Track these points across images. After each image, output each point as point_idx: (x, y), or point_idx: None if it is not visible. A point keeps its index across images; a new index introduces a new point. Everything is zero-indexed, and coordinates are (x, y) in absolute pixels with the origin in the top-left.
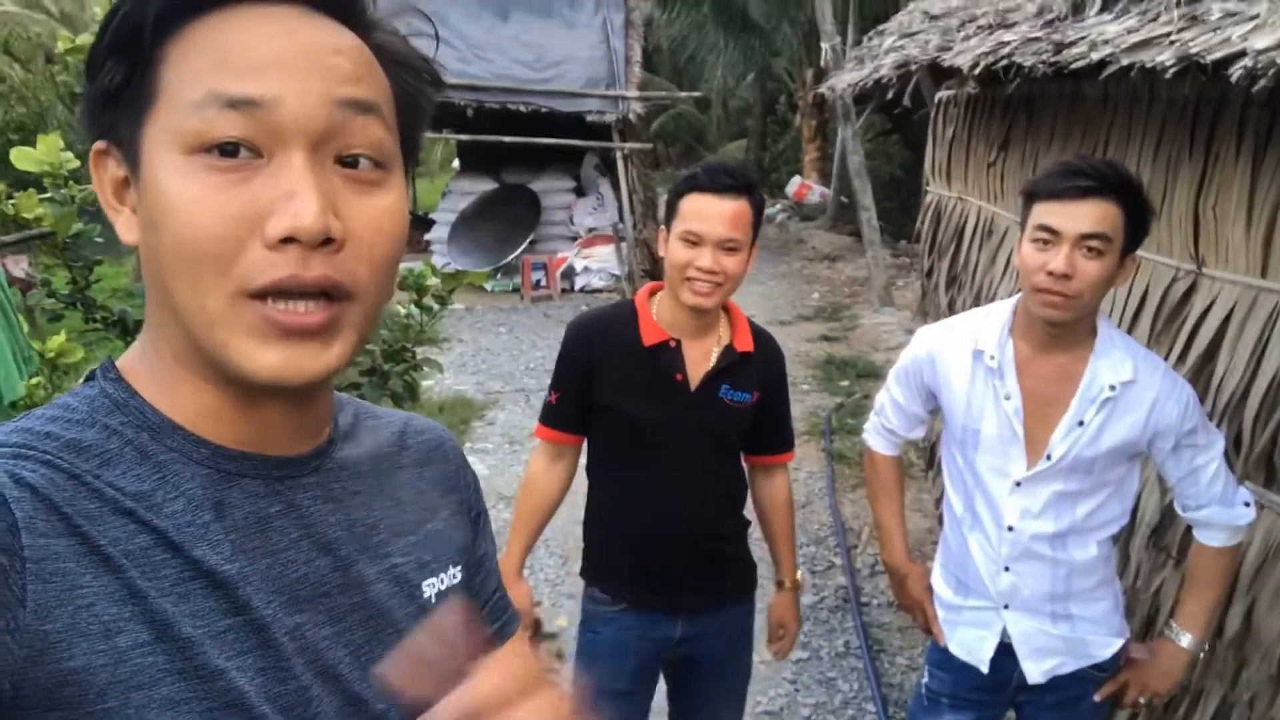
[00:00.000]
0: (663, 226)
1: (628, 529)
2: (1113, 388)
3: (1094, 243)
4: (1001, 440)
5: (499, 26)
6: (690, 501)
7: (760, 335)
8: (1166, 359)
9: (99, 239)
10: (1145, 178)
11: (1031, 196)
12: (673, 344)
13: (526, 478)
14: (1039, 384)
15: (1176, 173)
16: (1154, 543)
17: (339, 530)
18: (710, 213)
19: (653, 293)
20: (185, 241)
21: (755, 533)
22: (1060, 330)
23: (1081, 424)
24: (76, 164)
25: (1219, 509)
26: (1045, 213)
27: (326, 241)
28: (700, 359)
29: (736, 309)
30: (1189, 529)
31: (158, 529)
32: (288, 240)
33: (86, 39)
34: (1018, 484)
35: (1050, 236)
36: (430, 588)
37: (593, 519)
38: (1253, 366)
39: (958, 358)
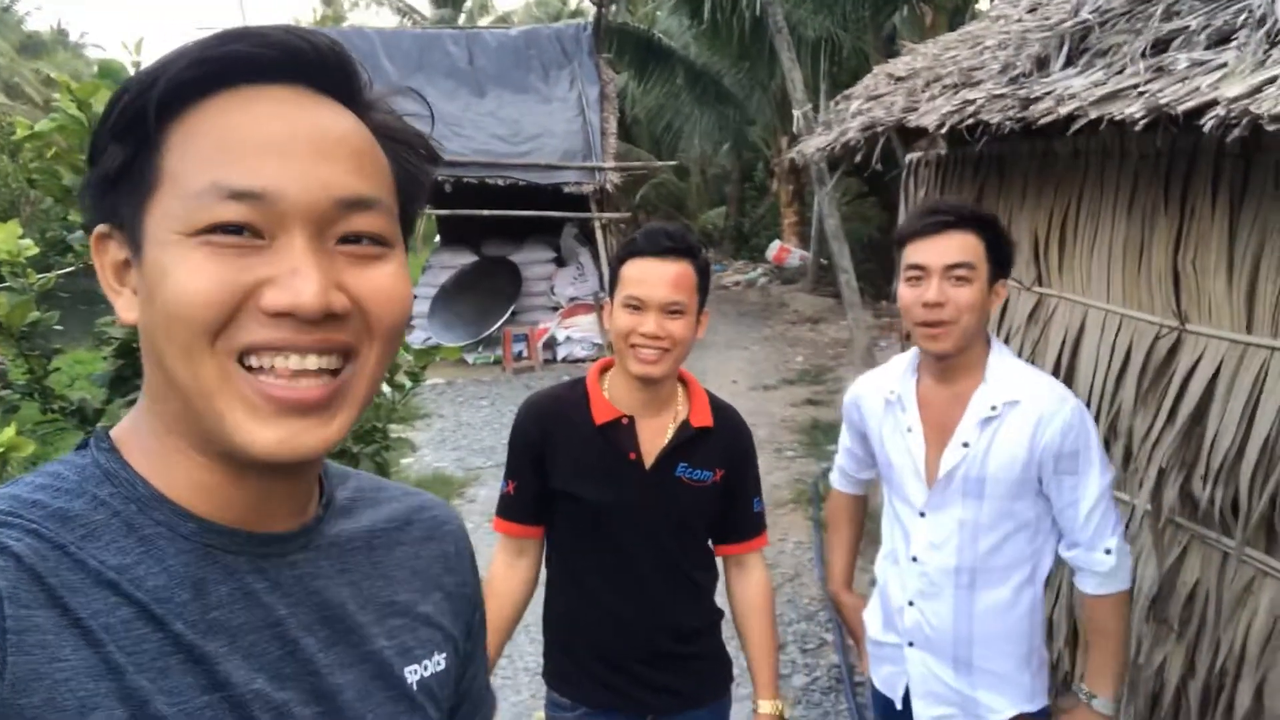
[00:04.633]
0: (607, 298)
1: (582, 622)
2: (994, 408)
3: (960, 271)
4: (906, 470)
5: (476, 103)
6: (650, 591)
7: (721, 410)
8: (1154, 419)
9: (58, 326)
10: (1121, 233)
11: (901, 242)
12: (625, 421)
13: (488, 578)
14: (936, 414)
15: (1153, 228)
16: (1154, 615)
17: (325, 609)
18: (651, 276)
19: (604, 370)
20: (177, 306)
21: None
22: (950, 361)
23: (966, 445)
24: (35, 251)
25: (1082, 551)
26: (913, 252)
27: (330, 318)
28: (655, 436)
29: (695, 383)
30: (1189, 599)
31: (139, 602)
32: (284, 315)
33: (45, 125)
34: (922, 514)
35: (920, 273)
36: (413, 674)
37: (550, 614)
38: (1245, 426)
39: (875, 398)
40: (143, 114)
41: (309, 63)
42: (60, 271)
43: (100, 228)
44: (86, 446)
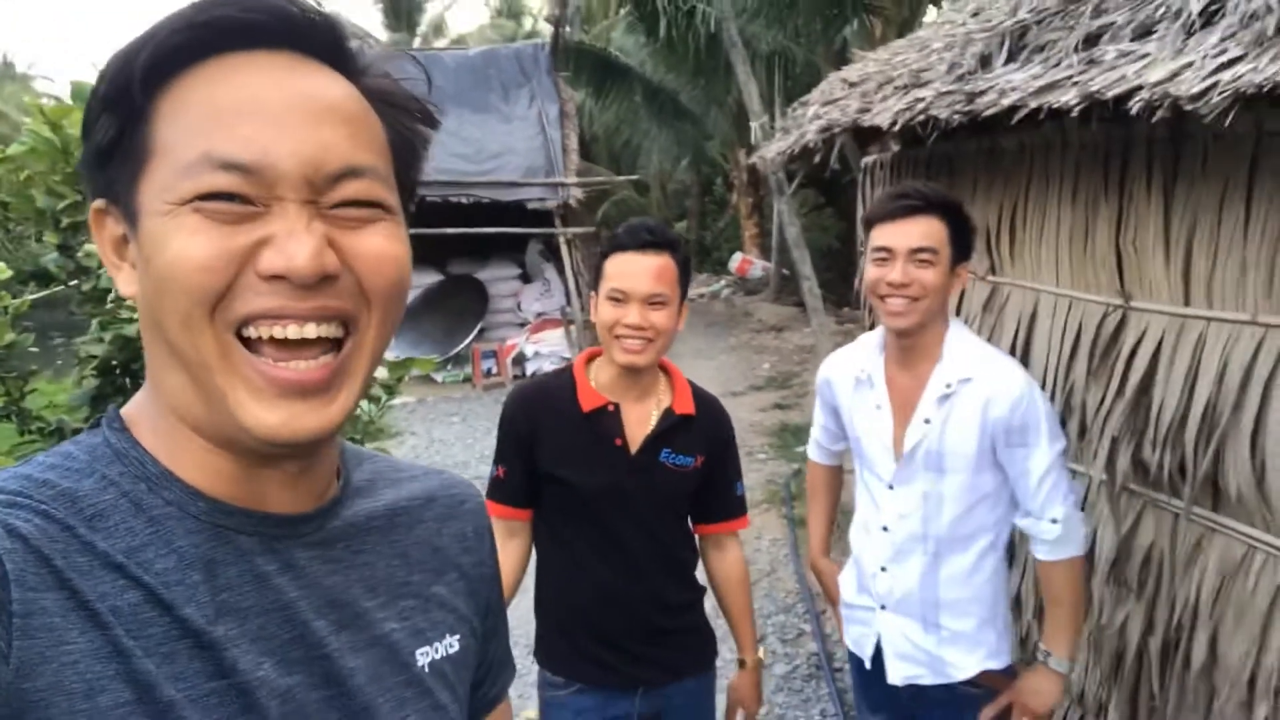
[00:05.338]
0: (592, 292)
1: (574, 602)
2: (948, 385)
3: (923, 255)
4: (875, 445)
5: None
6: (636, 570)
7: (703, 399)
8: (1105, 393)
9: (33, 349)
10: (1066, 221)
11: (869, 223)
12: (611, 408)
13: None
14: (902, 394)
15: (1096, 213)
16: (1114, 578)
17: (337, 592)
18: (634, 269)
19: (591, 359)
20: (174, 272)
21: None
22: (912, 341)
23: (928, 421)
24: (8, 274)
25: (1033, 520)
26: (880, 235)
27: (326, 281)
28: (640, 422)
29: (678, 372)
30: (1145, 560)
31: (147, 586)
32: (280, 279)
33: (17, 149)
34: (890, 486)
35: (886, 255)
36: (424, 656)
37: (540, 596)
38: (1187, 392)
39: (846, 377)
40: (129, 85)
41: (299, 27)
42: (33, 296)
43: (98, 203)
44: (99, 426)
